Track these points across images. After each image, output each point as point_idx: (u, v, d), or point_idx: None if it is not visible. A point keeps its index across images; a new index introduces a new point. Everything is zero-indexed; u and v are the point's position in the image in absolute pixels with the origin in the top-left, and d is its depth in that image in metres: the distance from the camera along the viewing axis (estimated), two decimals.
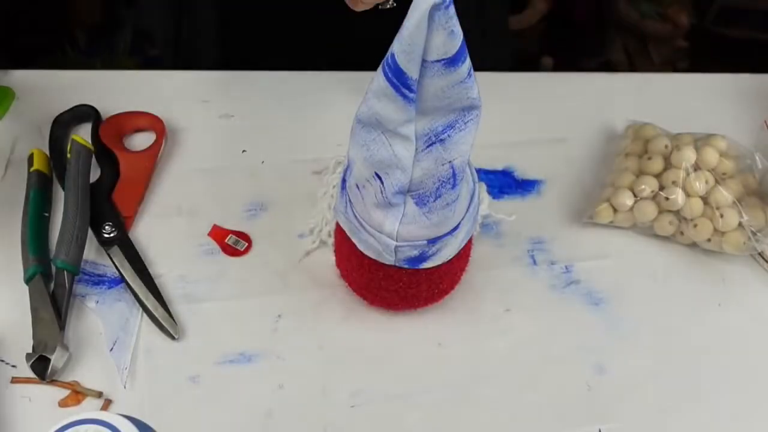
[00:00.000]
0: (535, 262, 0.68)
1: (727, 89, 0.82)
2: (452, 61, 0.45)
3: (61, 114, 0.74)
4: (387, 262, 0.56)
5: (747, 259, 0.69)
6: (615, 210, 0.69)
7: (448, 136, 0.49)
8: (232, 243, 0.67)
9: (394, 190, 0.51)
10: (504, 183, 0.73)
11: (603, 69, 1.25)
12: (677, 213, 0.67)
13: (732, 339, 0.64)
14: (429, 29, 0.43)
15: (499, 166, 0.74)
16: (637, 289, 0.67)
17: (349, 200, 0.56)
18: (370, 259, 0.57)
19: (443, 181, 0.51)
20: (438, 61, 0.44)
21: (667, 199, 0.66)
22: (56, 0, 1.39)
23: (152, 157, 0.72)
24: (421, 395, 0.60)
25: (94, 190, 0.68)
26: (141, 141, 0.74)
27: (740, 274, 0.68)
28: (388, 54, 0.46)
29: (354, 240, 0.57)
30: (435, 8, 0.42)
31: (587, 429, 0.59)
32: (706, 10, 1.48)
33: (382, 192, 0.52)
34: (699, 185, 0.66)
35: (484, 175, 0.73)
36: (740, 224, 0.65)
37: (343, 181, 0.57)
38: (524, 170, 0.74)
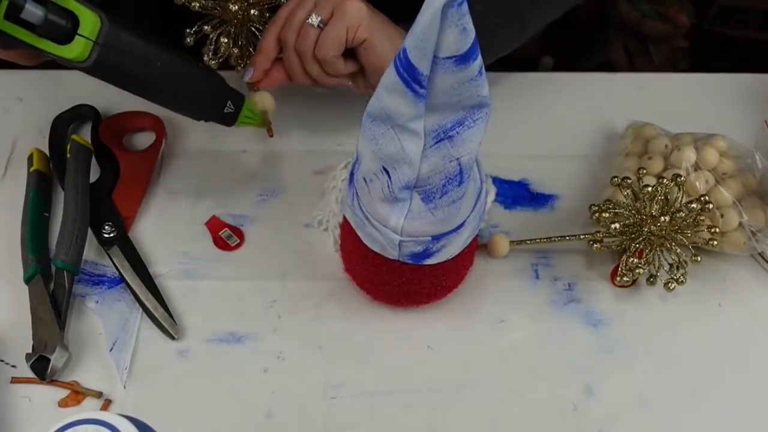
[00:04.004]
0: (537, 276, 0.67)
1: (727, 89, 0.82)
2: (464, 59, 0.45)
3: (61, 114, 0.74)
4: (391, 257, 0.57)
5: (747, 259, 0.69)
6: None
7: (457, 133, 0.49)
8: (225, 237, 0.67)
9: (401, 185, 0.51)
10: (518, 194, 0.72)
11: (603, 69, 1.25)
12: None
13: (732, 339, 0.64)
14: (442, 26, 0.43)
15: (516, 177, 0.73)
16: (639, 312, 0.65)
17: (356, 193, 0.56)
18: (374, 253, 0.57)
19: (450, 178, 0.51)
20: (449, 57, 0.45)
21: None
22: None
23: (152, 157, 0.72)
24: (417, 395, 0.60)
25: (94, 190, 0.68)
26: (141, 141, 0.74)
27: (740, 274, 0.68)
28: (400, 49, 0.46)
29: (359, 233, 0.57)
30: (448, 5, 0.42)
31: None
32: (706, 10, 1.48)
33: (388, 186, 0.52)
34: (699, 185, 0.66)
35: (499, 183, 0.73)
36: (740, 224, 0.65)
37: (352, 174, 0.57)
38: (540, 183, 0.73)
